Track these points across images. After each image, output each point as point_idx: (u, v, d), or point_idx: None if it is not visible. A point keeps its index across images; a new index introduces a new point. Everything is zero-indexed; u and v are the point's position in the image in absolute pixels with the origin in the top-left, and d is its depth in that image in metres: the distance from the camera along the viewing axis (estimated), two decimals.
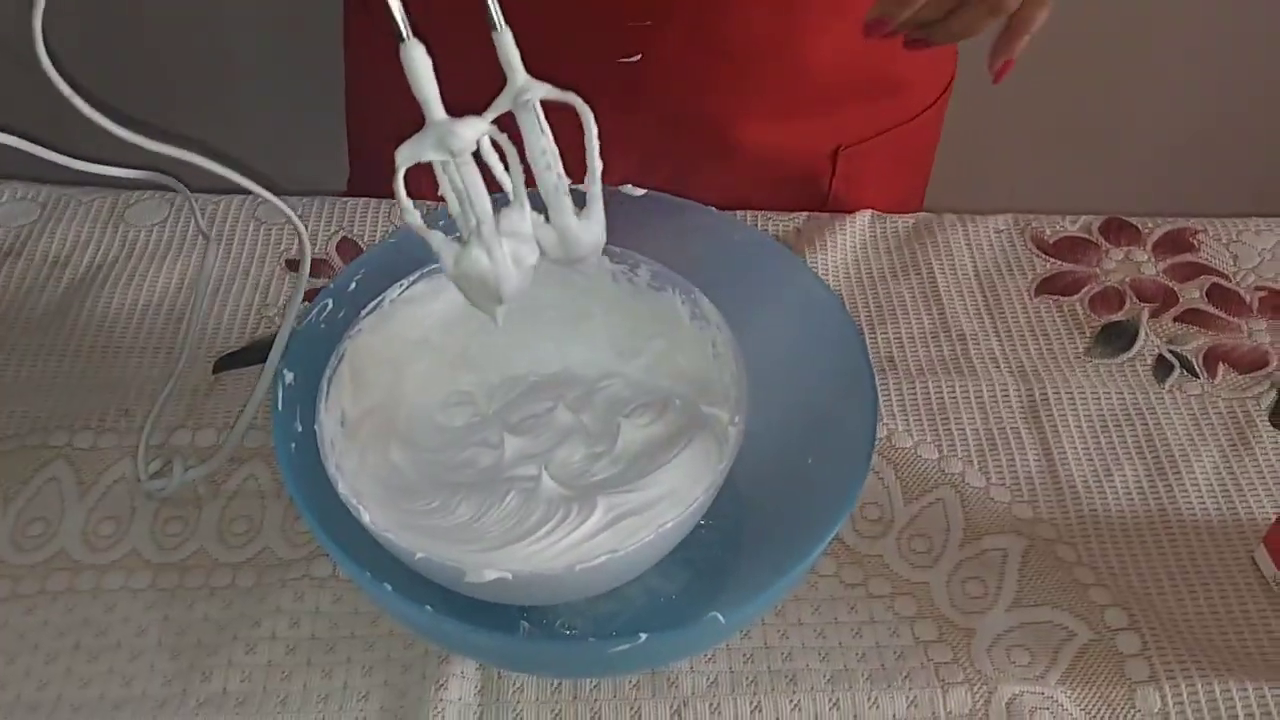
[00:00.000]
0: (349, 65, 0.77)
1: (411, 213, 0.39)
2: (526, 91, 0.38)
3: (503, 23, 0.38)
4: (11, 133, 0.52)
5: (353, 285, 0.48)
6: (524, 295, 0.41)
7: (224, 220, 0.66)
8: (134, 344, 0.60)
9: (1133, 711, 0.47)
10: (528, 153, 0.40)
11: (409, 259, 0.50)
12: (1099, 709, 0.47)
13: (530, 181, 0.41)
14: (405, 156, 0.37)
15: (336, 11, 0.76)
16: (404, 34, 0.36)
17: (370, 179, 0.77)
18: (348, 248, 0.65)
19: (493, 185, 0.40)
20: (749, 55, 0.63)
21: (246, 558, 0.51)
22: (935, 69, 0.73)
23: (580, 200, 0.42)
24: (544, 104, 0.40)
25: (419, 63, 0.36)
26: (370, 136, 0.78)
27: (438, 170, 0.38)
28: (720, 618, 0.38)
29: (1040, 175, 1.17)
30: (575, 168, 0.41)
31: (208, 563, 0.51)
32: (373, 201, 0.68)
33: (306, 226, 0.66)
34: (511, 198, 0.40)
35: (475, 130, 0.37)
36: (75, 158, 0.55)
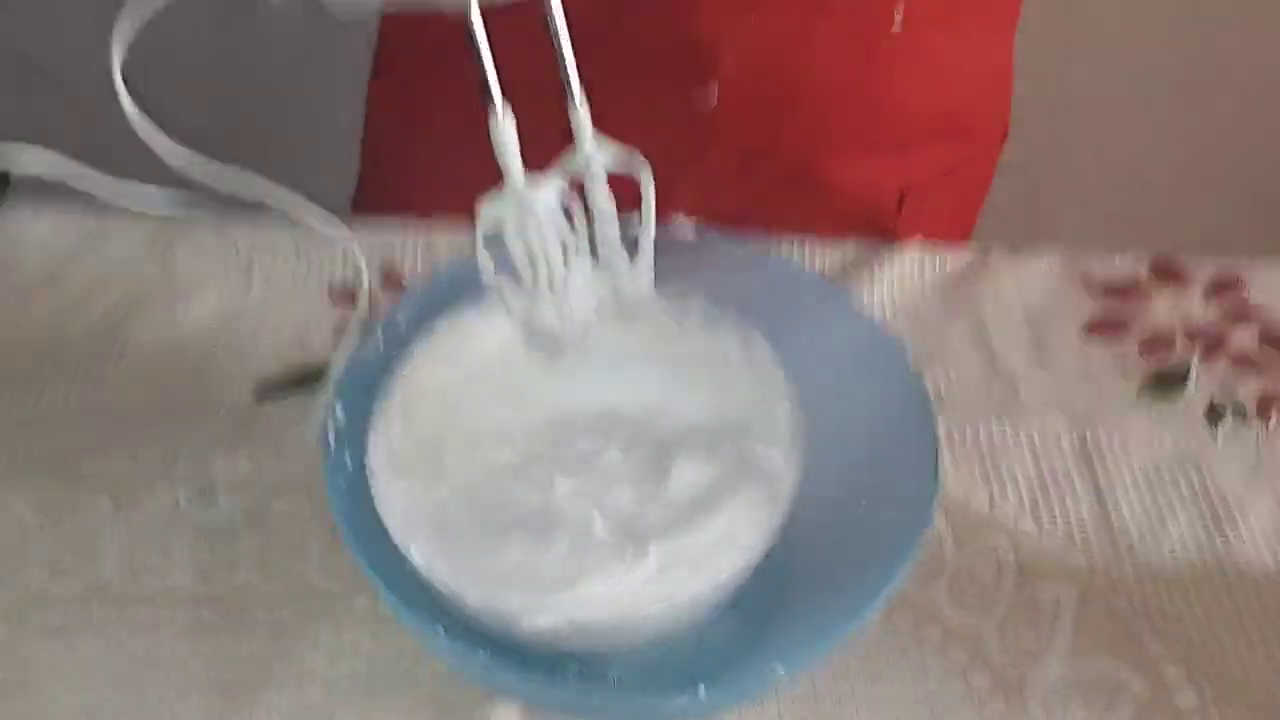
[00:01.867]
0: (375, 87, 0.77)
1: (489, 268, 0.41)
2: (596, 156, 0.41)
3: (582, 99, 0.40)
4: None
5: (402, 320, 0.48)
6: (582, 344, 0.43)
7: (264, 248, 0.66)
8: (175, 371, 0.59)
9: None
10: (593, 213, 0.42)
11: (458, 291, 0.49)
12: None
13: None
14: (487, 218, 0.39)
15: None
16: (497, 105, 0.38)
17: (384, 192, 0.77)
18: (389, 278, 0.65)
19: None
20: (825, 95, 0.64)
21: (287, 591, 0.50)
22: (998, 111, 0.73)
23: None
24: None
25: (508, 134, 0.38)
26: (391, 155, 0.78)
27: (510, 227, 0.40)
28: (780, 668, 0.37)
29: (1089, 209, 1.16)
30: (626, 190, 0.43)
31: (248, 596, 0.50)
32: (413, 230, 0.67)
33: (347, 255, 0.66)
34: (576, 252, 0.42)
35: (552, 193, 0.39)
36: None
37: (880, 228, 0.72)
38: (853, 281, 0.65)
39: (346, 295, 0.64)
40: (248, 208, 0.61)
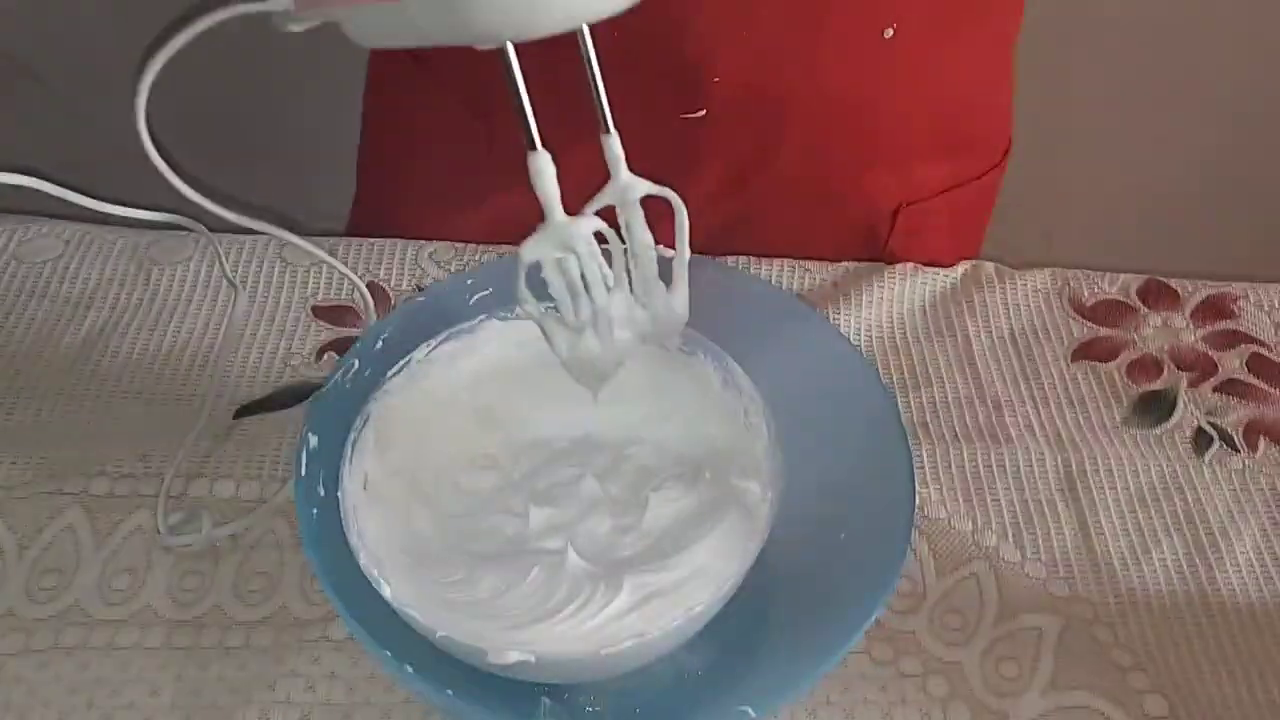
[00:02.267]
0: (369, 107, 0.77)
1: (533, 304, 0.41)
2: (631, 189, 0.41)
3: (613, 127, 0.40)
4: (35, 174, 0.52)
5: (379, 344, 0.47)
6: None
7: (248, 262, 0.66)
8: (155, 389, 0.59)
9: None
10: (630, 245, 0.42)
11: (436, 317, 0.49)
12: None
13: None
14: (529, 253, 0.39)
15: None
16: (535, 143, 0.38)
17: (381, 212, 0.77)
18: (376, 292, 0.64)
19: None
20: (819, 110, 0.63)
21: (263, 616, 0.50)
22: (999, 130, 0.72)
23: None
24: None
25: (546, 170, 0.38)
26: (388, 174, 0.77)
27: (548, 263, 0.40)
28: (750, 712, 0.37)
29: (1079, 226, 1.16)
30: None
31: (223, 620, 0.50)
32: (399, 244, 0.67)
33: (333, 269, 0.65)
34: (613, 283, 0.42)
35: (591, 227, 0.40)
36: (97, 199, 0.55)
37: (876, 244, 0.72)
38: (841, 300, 0.65)
39: (330, 313, 0.63)
40: (231, 225, 0.61)
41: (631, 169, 0.70)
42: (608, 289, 0.42)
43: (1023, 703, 0.48)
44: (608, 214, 0.41)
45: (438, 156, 0.70)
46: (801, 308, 0.50)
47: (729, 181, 0.67)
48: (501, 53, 0.36)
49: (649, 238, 0.42)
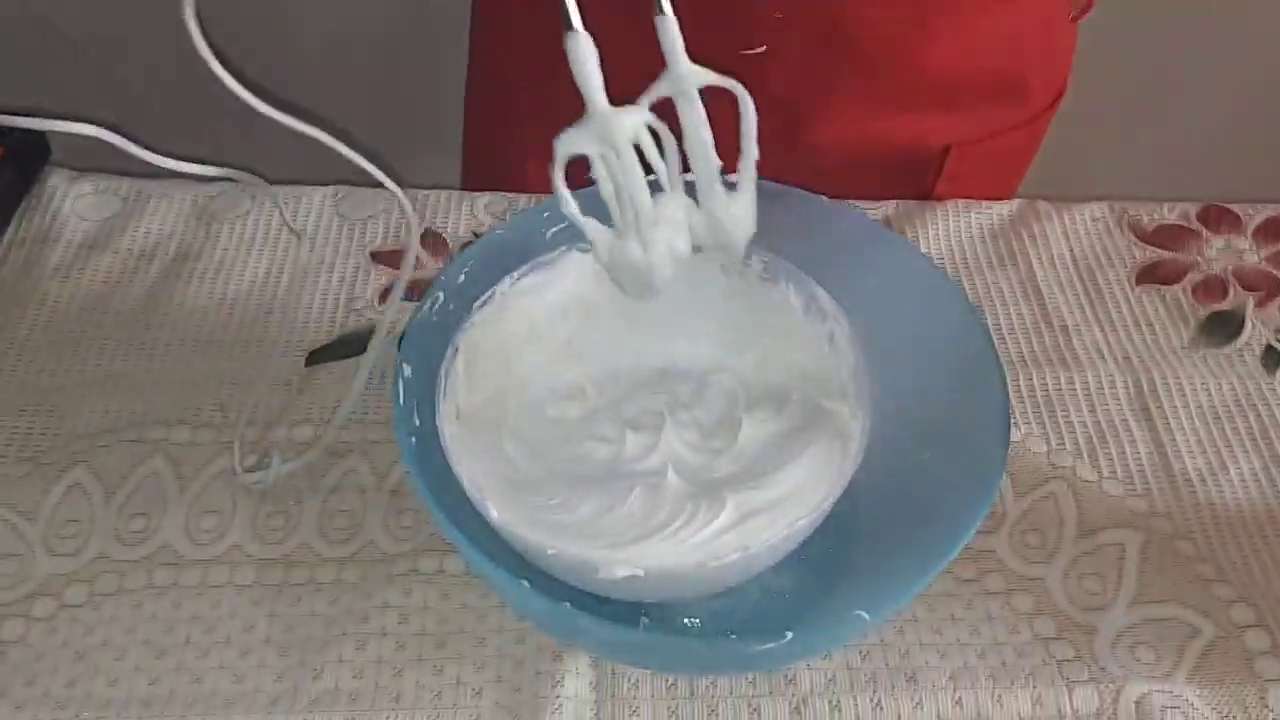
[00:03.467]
0: (475, 54, 0.76)
1: (569, 202, 0.38)
2: (688, 79, 0.37)
3: (668, 7, 0.37)
4: (94, 123, 0.52)
5: (462, 277, 0.48)
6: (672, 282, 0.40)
7: (306, 214, 0.66)
8: (223, 338, 0.59)
9: (1265, 711, 0.46)
10: (686, 142, 0.39)
11: (517, 250, 0.49)
12: (1231, 709, 0.46)
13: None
14: (566, 146, 0.36)
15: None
16: (573, 22, 0.35)
17: (491, 166, 0.76)
18: (432, 239, 0.64)
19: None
20: (873, 51, 0.63)
21: (351, 553, 0.51)
22: (1053, 73, 0.71)
23: (730, 186, 0.41)
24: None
25: (585, 51, 0.35)
26: (493, 127, 0.77)
27: (594, 159, 0.37)
28: (865, 615, 0.37)
29: (1134, 159, 1.15)
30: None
31: (311, 558, 0.50)
32: (455, 194, 0.67)
33: (389, 219, 0.65)
34: (667, 185, 0.38)
35: (637, 120, 0.36)
36: (156, 153, 0.55)
37: (923, 184, 0.72)
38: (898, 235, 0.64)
39: (389, 257, 0.63)
40: (285, 171, 0.61)
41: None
42: (655, 191, 0.39)
43: (1109, 616, 0.49)
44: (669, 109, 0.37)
45: (546, 92, 0.70)
46: (885, 232, 0.50)
47: (788, 119, 0.67)
48: None
49: (708, 135, 0.39)
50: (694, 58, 0.65)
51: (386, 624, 0.48)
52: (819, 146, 0.68)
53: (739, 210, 0.40)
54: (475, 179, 0.80)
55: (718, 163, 0.39)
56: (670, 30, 0.37)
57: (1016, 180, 0.76)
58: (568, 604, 0.37)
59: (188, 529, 0.51)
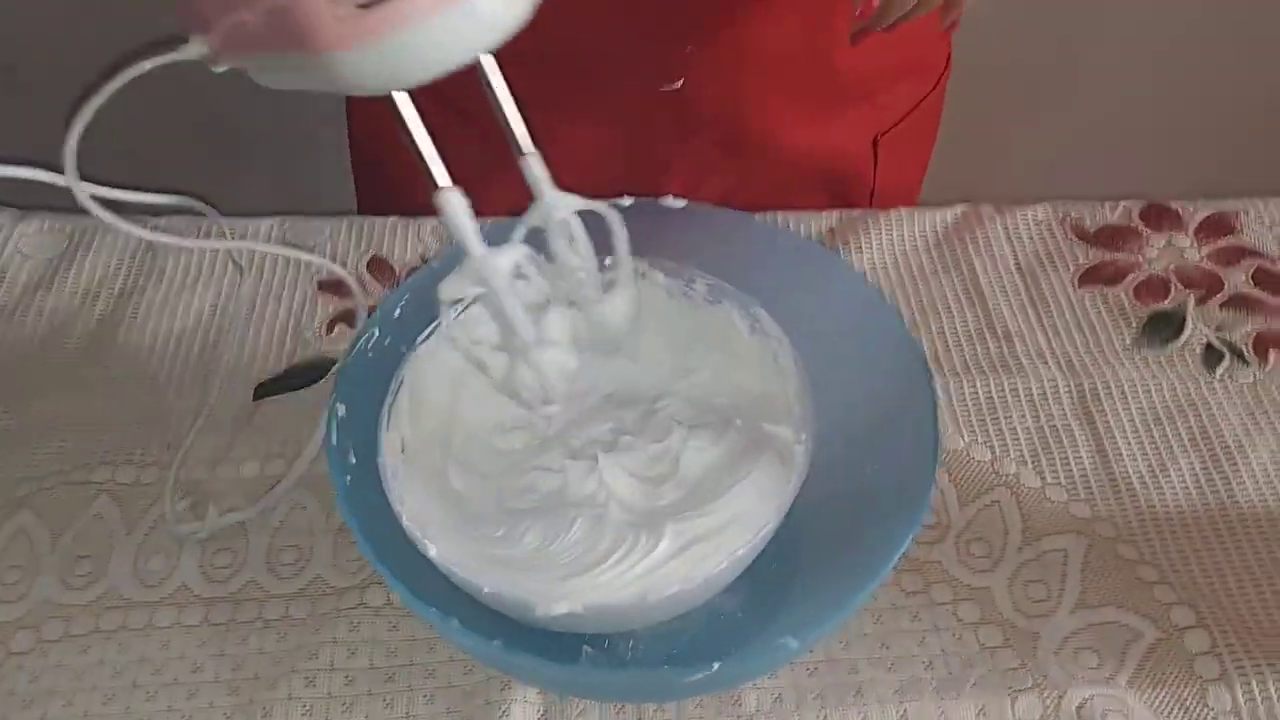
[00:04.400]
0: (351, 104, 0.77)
1: (462, 339, 0.42)
2: (553, 210, 0.40)
3: (530, 147, 0.40)
4: (36, 165, 0.52)
5: (398, 312, 0.48)
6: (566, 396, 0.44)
7: (250, 245, 0.66)
8: (170, 374, 0.59)
9: (1205, 711, 0.46)
10: (558, 267, 0.42)
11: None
12: (1172, 709, 0.46)
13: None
14: (447, 292, 0.40)
15: None
16: (439, 180, 0.37)
17: (378, 196, 0.77)
18: (380, 266, 0.64)
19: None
20: (786, 65, 0.63)
21: (298, 588, 0.51)
22: (939, 41, 0.73)
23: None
24: None
25: (456, 206, 0.37)
26: (377, 155, 0.77)
27: (475, 299, 0.41)
28: (792, 641, 0.37)
29: (1076, 160, 1.16)
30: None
31: (259, 595, 0.50)
32: (400, 220, 0.67)
33: (336, 247, 0.65)
34: (551, 304, 0.42)
35: (512, 259, 0.39)
36: (101, 184, 0.54)
37: (866, 180, 0.72)
38: (841, 245, 0.65)
39: (336, 287, 0.63)
40: (234, 201, 0.61)
41: (624, 141, 0.70)
42: (542, 311, 0.42)
43: (1053, 622, 0.49)
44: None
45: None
46: (822, 251, 0.51)
47: (721, 140, 0.68)
48: (389, 101, 0.36)
49: (574, 259, 0.42)
50: (614, 96, 0.66)
51: (335, 659, 0.48)
52: (757, 163, 0.69)
53: (618, 308, 0.44)
54: (367, 200, 0.80)
55: (595, 274, 0.43)
56: (533, 168, 0.40)
57: (929, 152, 0.78)
58: (498, 642, 0.37)
59: (135, 570, 0.51)
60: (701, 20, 0.61)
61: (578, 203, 0.41)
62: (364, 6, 0.31)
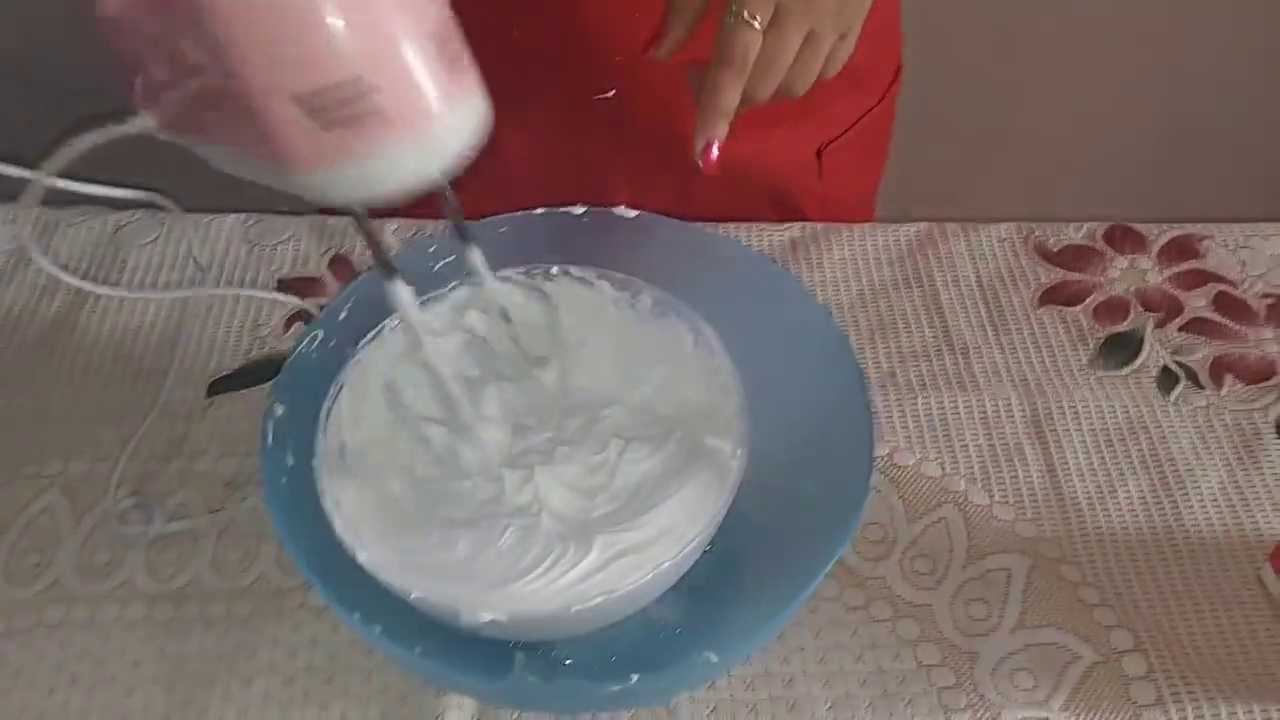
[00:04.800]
0: None
1: (411, 423, 0.46)
2: (494, 297, 0.45)
3: (470, 239, 0.42)
4: None
5: (344, 314, 0.48)
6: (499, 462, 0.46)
7: (216, 239, 0.66)
8: (127, 369, 0.59)
9: None
10: (495, 347, 0.46)
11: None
12: None
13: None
14: (396, 373, 0.44)
15: None
16: (391, 272, 0.38)
17: None
18: (341, 265, 0.64)
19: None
20: None
21: (242, 586, 0.51)
22: (887, 52, 0.73)
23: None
24: None
25: (405, 297, 0.39)
26: None
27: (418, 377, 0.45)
28: (713, 657, 0.37)
29: (1043, 183, 1.16)
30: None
31: (203, 592, 0.51)
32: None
33: (299, 245, 0.65)
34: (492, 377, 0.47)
35: (453, 346, 0.44)
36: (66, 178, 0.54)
37: (811, 192, 0.72)
38: (803, 258, 0.65)
39: (297, 285, 0.63)
40: (199, 197, 0.61)
41: (566, 151, 0.70)
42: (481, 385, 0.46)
43: (992, 642, 0.49)
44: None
45: None
46: (771, 266, 0.51)
47: (663, 156, 0.67)
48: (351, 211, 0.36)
49: (508, 344, 0.46)
50: (551, 106, 0.66)
51: (275, 659, 0.48)
52: (697, 174, 0.69)
53: (548, 380, 0.48)
54: None
55: (529, 353, 0.47)
56: (475, 259, 0.43)
57: (882, 163, 0.77)
58: (419, 649, 0.37)
59: (80, 565, 0.51)
60: (631, 31, 0.61)
61: (515, 290, 0.45)
62: (331, 124, 0.31)
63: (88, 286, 0.52)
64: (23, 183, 0.55)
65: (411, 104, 0.32)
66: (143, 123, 0.36)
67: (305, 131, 0.31)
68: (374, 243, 0.38)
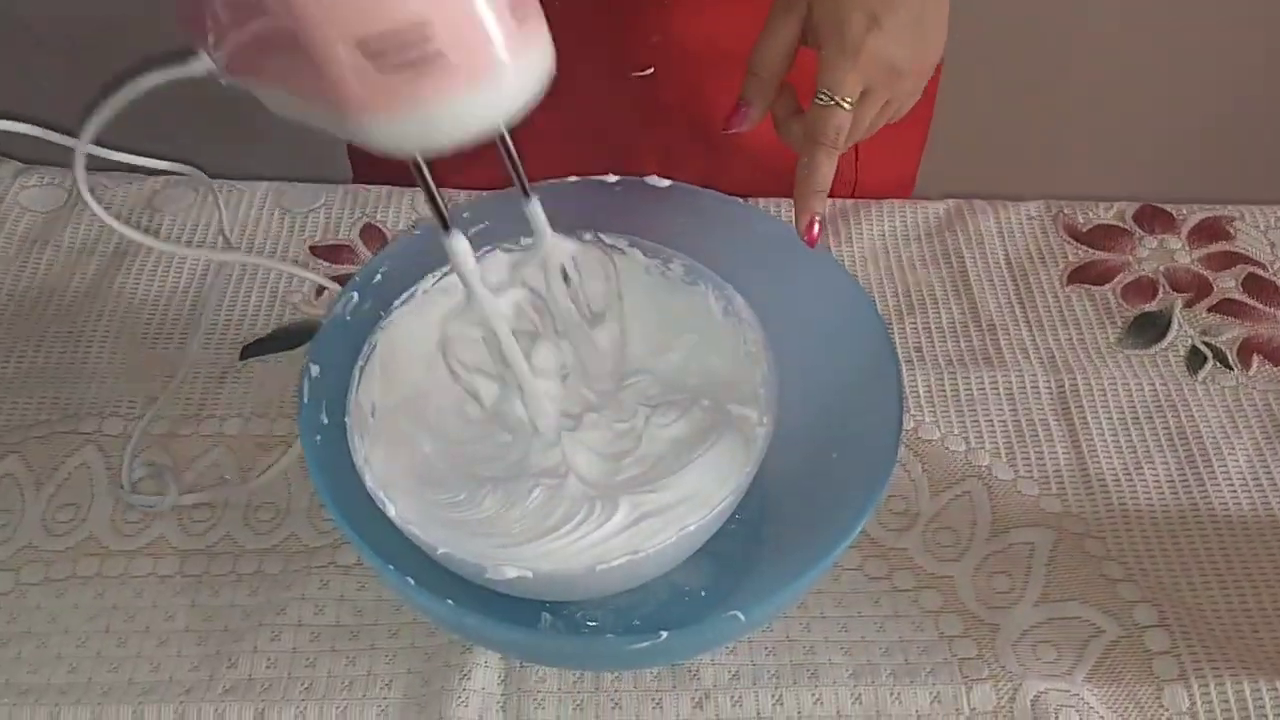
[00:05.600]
0: None
1: (462, 378, 0.45)
2: (552, 255, 0.43)
3: (531, 191, 0.41)
4: (38, 122, 0.53)
5: (378, 277, 0.48)
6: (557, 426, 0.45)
7: (249, 207, 0.66)
8: (161, 330, 0.60)
9: (1160, 710, 0.47)
10: (552, 306, 0.44)
11: (434, 251, 0.49)
12: (1126, 707, 0.47)
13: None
14: (450, 330, 0.42)
15: None
16: (447, 225, 0.38)
17: (372, 164, 0.77)
18: (372, 234, 0.65)
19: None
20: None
21: (273, 544, 0.52)
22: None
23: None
24: None
25: (462, 250, 0.38)
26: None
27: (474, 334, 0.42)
28: (741, 616, 0.38)
29: (1074, 160, 1.15)
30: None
31: (234, 549, 0.51)
32: (395, 190, 0.67)
33: (330, 213, 0.66)
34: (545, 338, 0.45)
35: (510, 303, 0.42)
36: (102, 145, 0.55)
37: (846, 173, 0.72)
38: (832, 233, 0.65)
39: (329, 252, 0.64)
40: (230, 167, 0.61)
41: (598, 126, 0.70)
42: (535, 345, 0.45)
43: (1014, 614, 0.49)
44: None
45: None
46: (795, 234, 0.51)
47: (694, 133, 0.68)
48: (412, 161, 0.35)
49: (567, 302, 0.45)
50: (591, 81, 0.66)
51: (303, 615, 0.49)
52: (727, 152, 0.69)
53: (605, 339, 0.47)
54: (361, 168, 0.80)
55: (586, 311, 0.46)
56: (535, 212, 0.42)
57: (920, 150, 0.77)
58: (450, 601, 0.37)
59: (114, 520, 0.52)
60: (671, 10, 0.61)
61: (576, 247, 0.43)
62: (392, 69, 0.30)
63: (138, 237, 0.51)
64: (55, 150, 0.57)
65: (478, 52, 0.31)
66: (204, 65, 0.36)
67: (365, 76, 0.30)
68: (431, 194, 0.37)
